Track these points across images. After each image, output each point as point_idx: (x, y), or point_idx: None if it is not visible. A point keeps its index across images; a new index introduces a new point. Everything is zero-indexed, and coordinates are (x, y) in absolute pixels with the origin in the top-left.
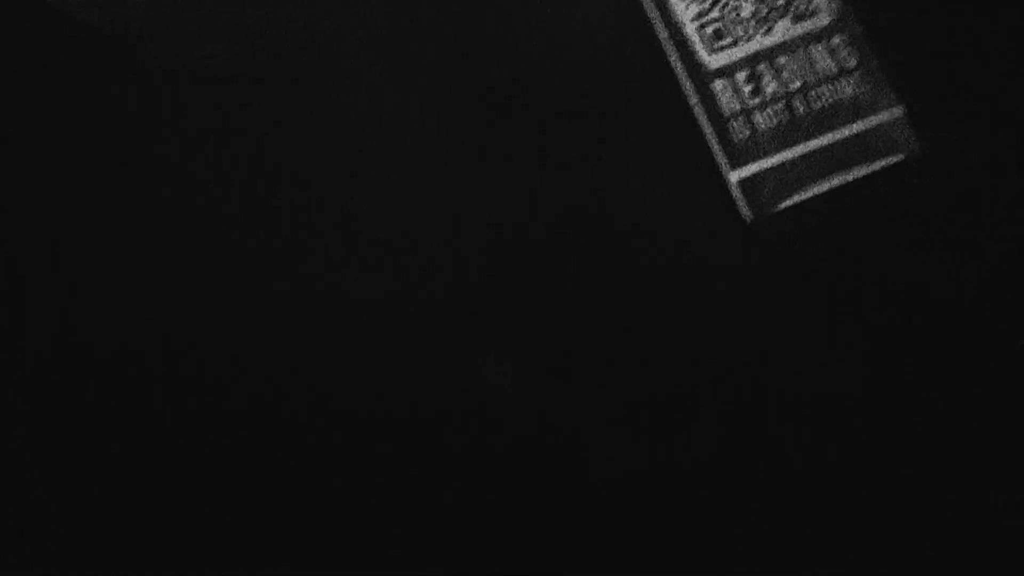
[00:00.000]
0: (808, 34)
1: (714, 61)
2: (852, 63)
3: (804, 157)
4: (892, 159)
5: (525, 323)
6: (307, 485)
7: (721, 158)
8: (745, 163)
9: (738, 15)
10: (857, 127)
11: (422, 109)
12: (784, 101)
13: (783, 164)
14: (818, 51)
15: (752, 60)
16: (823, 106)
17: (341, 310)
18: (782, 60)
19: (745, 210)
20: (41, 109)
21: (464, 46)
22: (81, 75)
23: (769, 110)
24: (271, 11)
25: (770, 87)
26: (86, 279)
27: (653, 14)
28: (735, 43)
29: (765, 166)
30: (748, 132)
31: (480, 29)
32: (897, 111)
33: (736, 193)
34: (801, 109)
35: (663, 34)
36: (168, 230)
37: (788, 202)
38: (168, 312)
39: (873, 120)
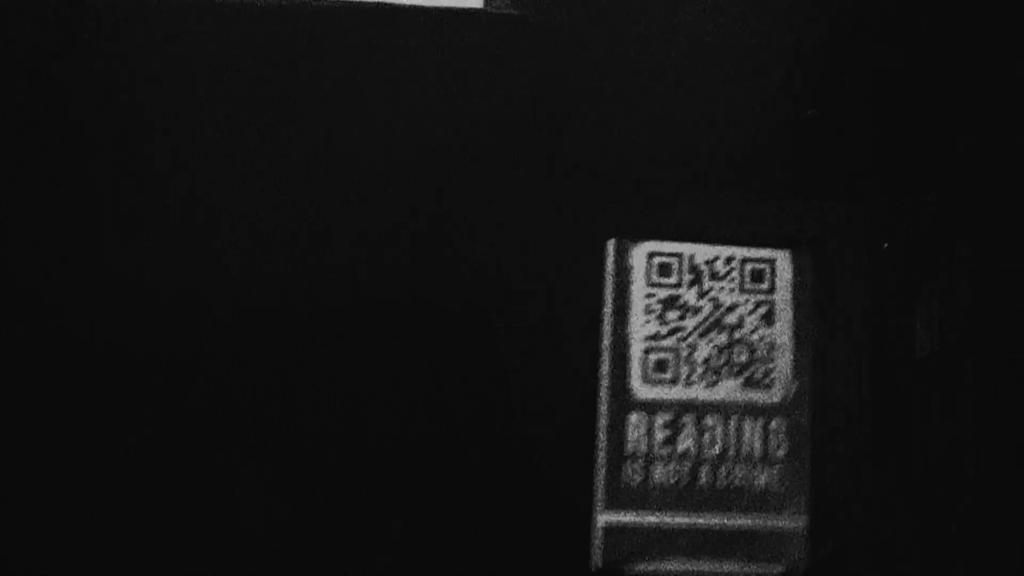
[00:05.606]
0: (751, 404)
1: (643, 391)
2: (780, 454)
3: (683, 529)
4: (771, 568)
5: None
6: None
7: (599, 495)
8: (619, 509)
9: (691, 354)
10: (752, 521)
11: None
12: (691, 463)
13: (658, 527)
14: (752, 426)
15: (681, 406)
16: (728, 485)
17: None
18: (710, 420)
19: (597, 558)
20: None
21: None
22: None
23: (672, 466)
24: None
25: (685, 442)
26: None
27: (607, 312)
28: (673, 382)
29: (639, 521)
30: (639, 479)
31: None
32: (800, 521)
33: (596, 537)
34: (704, 479)
35: (605, 340)
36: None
37: (644, 567)
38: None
39: (772, 521)
